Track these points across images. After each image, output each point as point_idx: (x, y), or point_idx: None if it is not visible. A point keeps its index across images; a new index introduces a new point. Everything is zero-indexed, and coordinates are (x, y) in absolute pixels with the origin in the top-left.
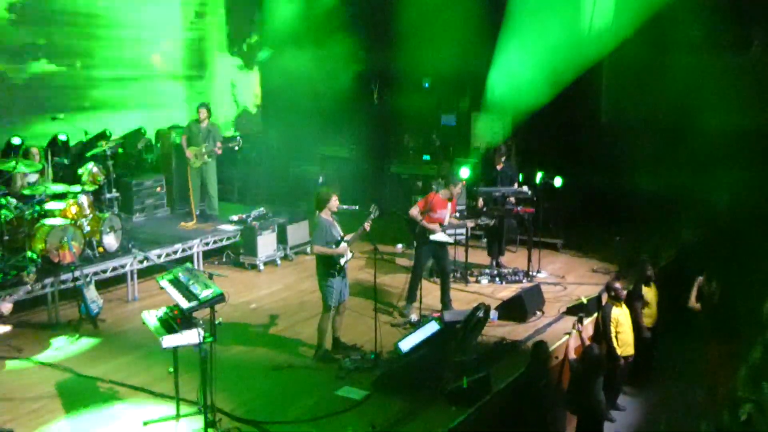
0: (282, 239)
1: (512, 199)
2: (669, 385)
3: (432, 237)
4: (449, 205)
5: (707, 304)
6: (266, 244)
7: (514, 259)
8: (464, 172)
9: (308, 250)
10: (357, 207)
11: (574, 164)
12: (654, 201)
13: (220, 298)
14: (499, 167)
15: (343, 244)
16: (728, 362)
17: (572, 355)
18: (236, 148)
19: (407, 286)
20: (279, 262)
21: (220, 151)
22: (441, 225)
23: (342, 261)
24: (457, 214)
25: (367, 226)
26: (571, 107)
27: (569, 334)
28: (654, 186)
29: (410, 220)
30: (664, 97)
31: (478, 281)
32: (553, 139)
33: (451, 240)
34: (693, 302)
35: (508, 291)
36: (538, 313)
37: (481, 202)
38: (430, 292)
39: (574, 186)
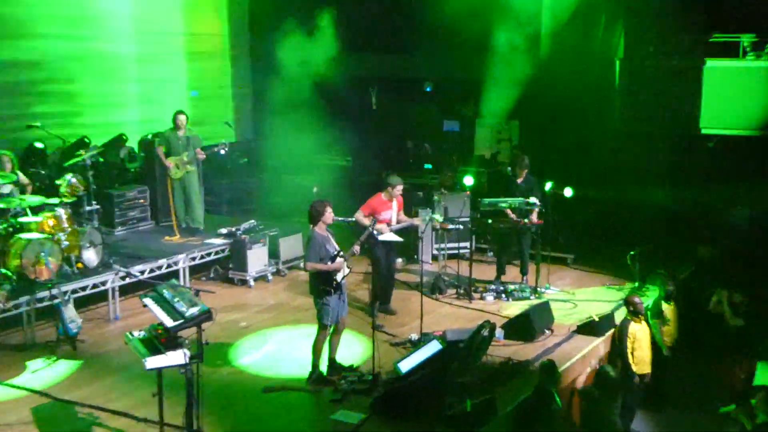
0: (274, 253)
1: (511, 213)
2: (687, 409)
3: (380, 237)
4: (394, 205)
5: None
6: (257, 258)
7: (519, 274)
8: (468, 181)
9: (302, 265)
10: (354, 219)
11: (585, 174)
12: (670, 214)
13: (207, 315)
14: (519, 180)
15: (339, 260)
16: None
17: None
18: (222, 152)
19: (373, 287)
20: (270, 277)
21: (203, 156)
22: (340, 255)
23: (338, 277)
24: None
25: (357, 248)
26: (583, 114)
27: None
28: (670, 198)
29: (356, 223)
30: (681, 104)
31: (482, 298)
32: (564, 147)
33: (399, 239)
34: (729, 313)
35: (514, 308)
36: (547, 331)
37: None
38: (433, 309)
39: (586, 197)
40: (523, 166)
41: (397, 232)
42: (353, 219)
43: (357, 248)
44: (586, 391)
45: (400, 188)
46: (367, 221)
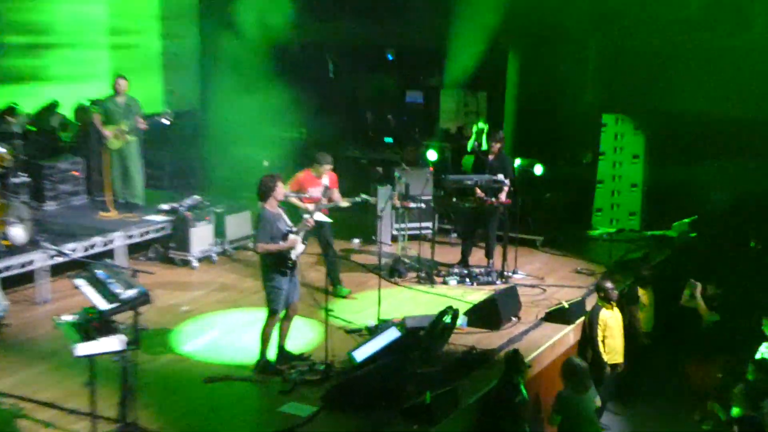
0: (220, 232)
1: (479, 191)
2: (660, 404)
3: (293, 255)
4: (324, 181)
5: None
6: (201, 237)
7: (482, 257)
8: (431, 155)
9: (250, 245)
10: (307, 195)
11: (556, 151)
12: (647, 194)
13: (145, 298)
14: (491, 157)
15: (292, 237)
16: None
17: None
18: (165, 122)
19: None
20: (216, 258)
21: (144, 126)
22: (293, 232)
23: (293, 255)
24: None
25: (311, 220)
26: (554, 87)
27: None
28: (647, 177)
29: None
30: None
31: (445, 282)
32: (534, 121)
33: (327, 219)
34: (703, 308)
35: (479, 294)
36: (514, 319)
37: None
38: (391, 294)
39: (557, 176)
40: (497, 140)
41: (333, 211)
42: (306, 195)
43: (310, 220)
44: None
45: (327, 167)
46: (295, 201)
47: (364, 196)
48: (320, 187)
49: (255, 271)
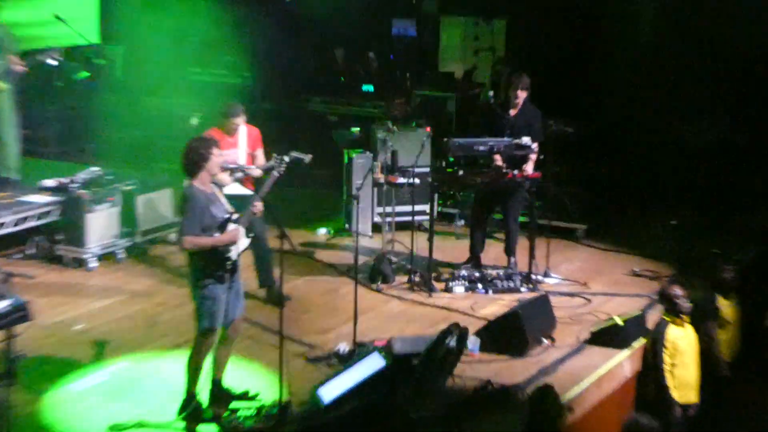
0: (129, 219)
1: (499, 159)
2: None
3: (223, 190)
4: (241, 140)
5: None
6: (102, 226)
7: (501, 254)
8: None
9: (172, 238)
10: (254, 168)
11: (604, 104)
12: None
13: (22, 313)
14: (512, 112)
15: (233, 227)
16: None
17: None
18: (51, 62)
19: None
20: (123, 255)
21: (21, 68)
22: (235, 221)
23: (234, 252)
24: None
25: (259, 204)
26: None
27: None
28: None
29: None
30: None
31: (449, 289)
32: (569, 66)
33: (245, 191)
34: None
35: (496, 306)
36: (545, 341)
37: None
38: (373, 306)
39: (606, 139)
40: (521, 87)
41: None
42: (253, 168)
43: (259, 205)
44: None
45: (239, 121)
46: None
47: (294, 153)
48: (235, 149)
49: (178, 273)
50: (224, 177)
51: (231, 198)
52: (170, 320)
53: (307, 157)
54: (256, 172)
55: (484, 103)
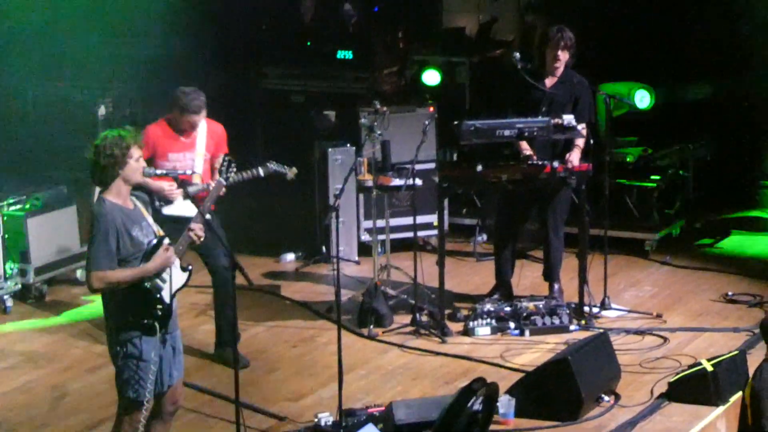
0: (16, 252)
1: (525, 147)
2: None
3: (164, 210)
4: (198, 141)
5: None
6: None
7: (539, 279)
8: (431, 78)
9: (79, 275)
10: (189, 172)
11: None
12: None
13: None
14: (550, 81)
15: (163, 254)
16: None
17: None
18: None
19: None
20: (10, 303)
21: None
22: (185, 184)
23: (165, 293)
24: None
25: (198, 228)
26: None
27: None
28: None
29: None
30: None
31: (469, 331)
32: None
33: (198, 212)
34: None
35: (536, 352)
36: (605, 398)
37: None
38: (366, 358)
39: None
40: (562, 46)
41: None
42: (189, 173)
43: (197, 229)
44: None
45: (198, 116)
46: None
47: (273, 166)
48: (189, 152)
49: (94, 326)
50: (171, 192)
51: (176, 221)
52: (81, 391)
53: (291, 172)
54: (220, 188)
55: (509, 69)
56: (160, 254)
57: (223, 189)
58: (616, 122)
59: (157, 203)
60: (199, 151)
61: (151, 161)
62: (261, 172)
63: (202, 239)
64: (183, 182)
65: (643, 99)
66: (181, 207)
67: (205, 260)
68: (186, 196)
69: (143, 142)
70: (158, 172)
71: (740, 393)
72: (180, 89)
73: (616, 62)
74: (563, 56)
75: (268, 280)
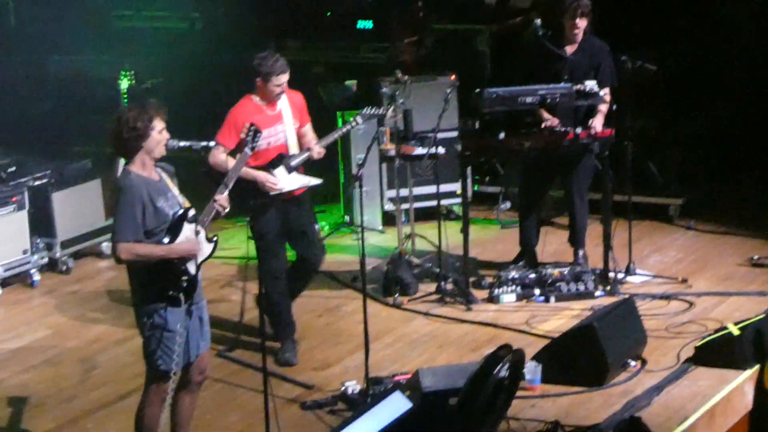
0: (43, 226)
1: (545, 116)
2: None
3: (272, 191)
4: (284, 113)
5: None
6: (5, 238)
7: (564, 245)
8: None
9: (104, 248)
10: (213, 143)
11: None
12: None
13: None
14: (570, 48)
15: (188, 228)
16: None
17: None
18: None
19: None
20: (37, 277)
21: None
22: (285, 159)
23: (191, 265)
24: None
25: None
26: None
27: None
28: None
29: (215, 174)
30: None
31: (494, 298)
32: None
33: (315, 182)
34: None
35: (562, 318)
36: (632, 363)
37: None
38: (390, 327)
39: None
40: (580, 13)
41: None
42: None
43: (222, 200)
44: None
45: (282, 79)
46: (230, 162)
47: (368, 111)
48: (279, 124)
49: (120, 298)
50: (266, 177)
51: (285, 200)
52: (109, 363)
53: (386, 110)
54: (317, 152)
55: (529, 37)
56: (186, 230)
57: (316, 152)
58: (639, 86)
59: (263, 189)
60: (287, 122)
61: (242, 145)
62: (360, 120)
63: (227, 210)
64: (282, 157)
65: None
66: (289, 183)
67: (294, 242)
68: (290, 170)
69: (230, 125)
70: (181, 144)
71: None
72: (255, 57)
73: (636, 27)
74: (581, 23)
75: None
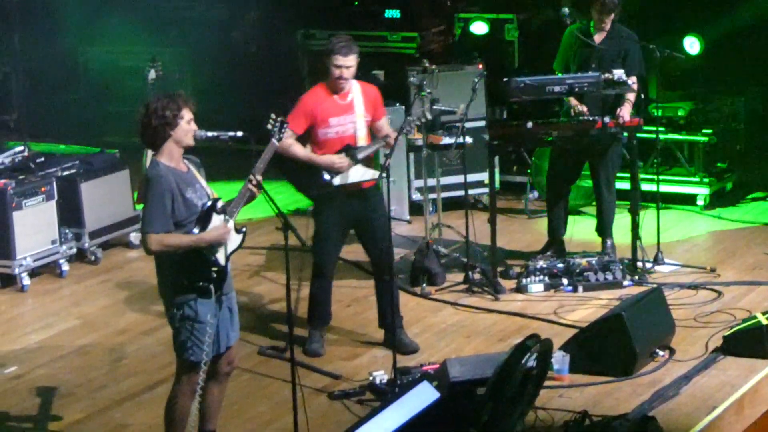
0: (71, 216)
1: (576, 104)
2: None
3: (335, 180)
4: (356, 101)
5: None
6: (34, 228)
7: (592, 235)
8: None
9: (133, 238)
10: (240, 133)
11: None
12: None
13: None
14: (598, 37)
15: (218, 218)
16: None
17: None
18: None
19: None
20: (66, 267)
21: None
22: (351, 149)
23: (220, 256)
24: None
25: (255, 184)
26: None
27: None
28: None
29: (285, 161)
30: None
31: (522, 288)
32: None
33: (375, 174)
34: None
35: (590, 308)
36: (661, 353)
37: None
38: (418, 316)
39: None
40: (608, 7)
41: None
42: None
43: (255, 184)
44: None
45: (341, 60)
46: (301, 151)
47: (438, 106)
48: (349, 114)
49: (149, 289)
50: (335, 161)
51: (349, 192)
52: (138, 353)
53: (459, 110)
54: (390, 136)
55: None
56: (215, 221)
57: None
58: (666, 75)
59: (326, 176)
60: (358, 113)
61: (311, 132)
62: (429, 115)
63: (259, 193)
64: (349, 147)
65: (692, 45)
66: (352, 174)
67: (362, 240)
68: (356, 161)
69: (301, 111)
70: (209, 134)
71: None
72: (337, 39)
73: (664, 12)
74: (608, 18)
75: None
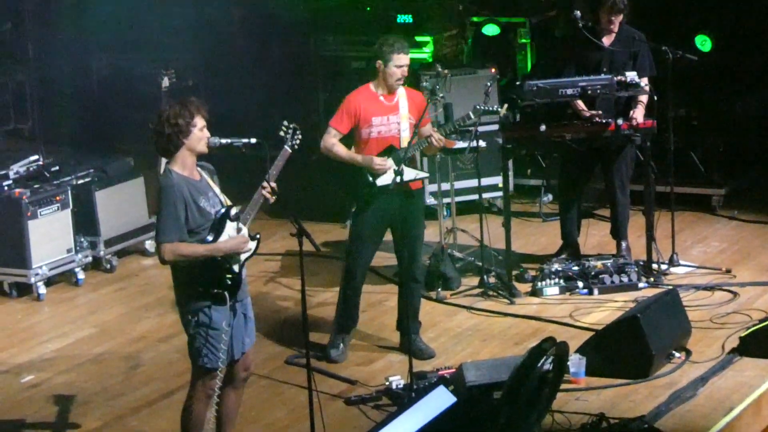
0: (86, 225)
1: (582, 108)
2: None
3: (378, 181)
4: (400, 102)
5: None
6: (49, 237)
7: (607, 237)
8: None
9: (148, 246)
10: (254, 140)
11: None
12: None
13: None
14: (608, 39)
15: (231, 226)
16: None
17: None
18: None
19: (338, 302)
20: (82, 275)
21: None
22: (394, 151)
23: (235, 264)
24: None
25: (267, 191)
26: None
27: None
28: None
29: (328, 156)
30: None
31: (537, 291)
32: None
33: (423, 174)
34: None
35: (605, 310)
36: (677, 355)
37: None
38: (433, 321)
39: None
40: (617, 8)
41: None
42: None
43: (268, 189)
44: None
45: (402, 60)
46: (344, 151)
47: (480, 106)
48: (393, 114)
49: (164, 296)
50: (378, 162)
51: (392, 193)
52: (154, 361)
53: (502, 111)
54: (436, 138)
55: (567, 29)
56: (228, 228)
57: (435, 139)
58: (679, 76)
59: (369, 178)
60: (403, 113)
61: (355, 132)
62: (472, 116)
63: (274, 199)
64: (391, 148)
65: (704, 43)
66: (388, 175)
67: (398, 247)
68: (399, 162)
69: (346, 112)
70: (223, 141)
71: None
72: (389, 39)
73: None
74: (617, 19)
75: (333, 247)
